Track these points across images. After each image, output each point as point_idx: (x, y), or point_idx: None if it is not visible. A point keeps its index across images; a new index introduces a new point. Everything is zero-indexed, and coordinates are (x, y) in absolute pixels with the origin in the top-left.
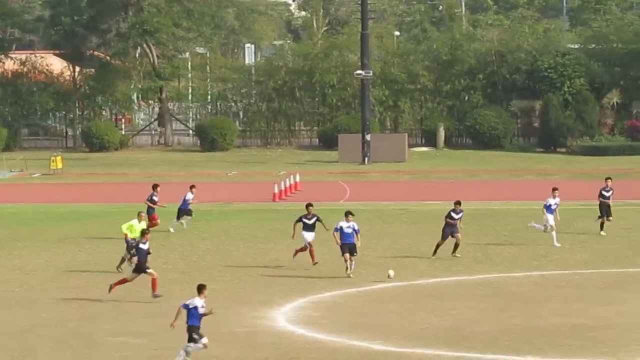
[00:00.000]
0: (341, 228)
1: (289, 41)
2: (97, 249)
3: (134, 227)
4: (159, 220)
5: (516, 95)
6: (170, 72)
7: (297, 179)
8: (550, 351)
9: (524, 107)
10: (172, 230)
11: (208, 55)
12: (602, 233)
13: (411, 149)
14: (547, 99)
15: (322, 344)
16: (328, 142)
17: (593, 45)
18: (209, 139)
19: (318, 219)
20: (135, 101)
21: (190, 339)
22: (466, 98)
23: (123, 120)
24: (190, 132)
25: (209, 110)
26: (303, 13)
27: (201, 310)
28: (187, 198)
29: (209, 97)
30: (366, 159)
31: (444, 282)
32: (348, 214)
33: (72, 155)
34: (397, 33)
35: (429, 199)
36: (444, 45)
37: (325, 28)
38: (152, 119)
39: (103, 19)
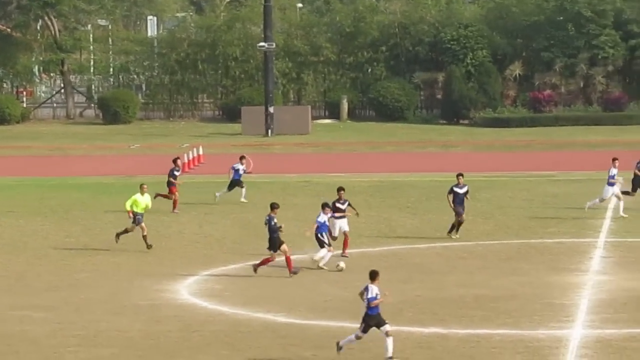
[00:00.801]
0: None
1: (191, 13)
2: None
3: (138, 201)
4: (177, 194)
5: (419, 67)
6: (72, 44)
7: (200, 152)
8: (453, 322)
9: (426, 79)
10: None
11: (110, 27)
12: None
13: (314, 121)
14: (449, 70)
15: (225, 316)
16: (231, 114)
17: (495, 17)
18: (111, 112)
19: (349, 204)
20: (37, 74)
21: (366, 328)
22: (369, 70)
23: (24, 93)
24: (93, 104)
25: (112, 83)
26: None
27: (378, 297)
28: (237, 169)
29: (111, 69)
30: (269, 131)
31: (349, 253)
32: (325, 206)
33: None
34: (300, 5)
35: (333, 171)
36: (347, 17)
37: (228, 0)
38: (54, 92)
39: None
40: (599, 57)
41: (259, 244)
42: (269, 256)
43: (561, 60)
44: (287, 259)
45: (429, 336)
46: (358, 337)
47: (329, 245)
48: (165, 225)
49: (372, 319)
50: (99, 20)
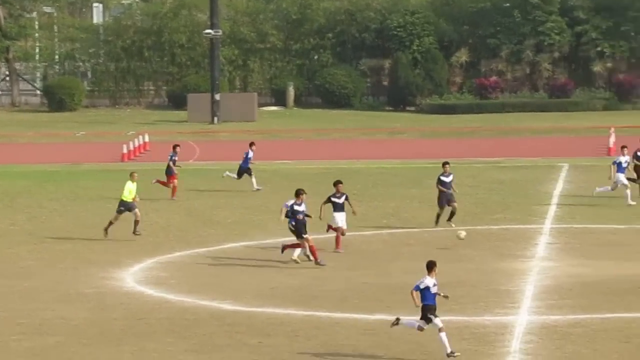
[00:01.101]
0: (292, 206)
1: (137, 0)
2: None
3: (131, 189)
4: (176, 181)
5: (365, 54)
6: (17, 31)
7: (146, 139)
8: (399, 308)
9: (373, 65)
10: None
11: (55, 14)
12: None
13: (261, 108)
14: (396, 57)
15: (171, 304)
16: (177, 101)
17: (441, 4)
18: (56, 99)
19: (346, 198)
20: None
21: (425, 319)
22: (316, 57)
23: None
24: (38, 92)
25: (57, 70)
26: None
27: (434, 290)
28: (249, 156)
29: (57, 57)
30: (216, 118)
31: (292, 241)
32: (300, 193)
33: None
34: None
35: (279, 158)
36: (293, 4)
37: None
38: (0, 79)
39: None
40: (545, 43)
41: (205, 232)
42: (311, 245)
43: (507, 47)
44: (293, 245)
45: (375, 323)
46: (441, 330)
47: (305, 233)
48: (111, 213)
49: (429, 309)
50: (44, 8)
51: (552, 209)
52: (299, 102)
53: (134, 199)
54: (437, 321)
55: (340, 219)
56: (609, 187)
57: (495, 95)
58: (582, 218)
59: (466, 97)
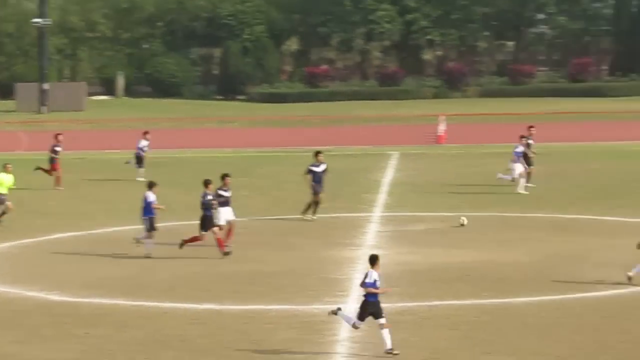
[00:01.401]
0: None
1: None
2: None
3: (3, 180)
4: (60, 170)
5: (196, 43)
6: None
7: None
8: (227, 298)
9: (203, 54)
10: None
11: None
12: (530, 184)
13: (90, 97)
14: (226, 46)
15: None
16: (5, 91)
17: None
18: None
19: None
20: None
21: (362, 315)
22: (146, 46)
23: None
24: None
25: None
26: None
27: (377, 284)
28: (140, 145)
29: None
30: (44, 108)
31: (121, 231)
32: (152, 185)
33: None
34: None
35: (107, 147)
36: None
37: None
38: None
39: None
40: (376, 32)
41: (33, 222)
42: (197, 235)
43: (338, 35)
44: (219, 240)
45: (203, 312)
46: (355, 327)
47: (152, 230)
48: None
49: (370, 306)
50: None
51: (382, 197)
52: (128, 92)
53: (8, 191)
54: (382, 320)
55: (226, 213)
56: (510, 177)
57: (325, 83)
58: (411, 206)
59: (296, 85)
